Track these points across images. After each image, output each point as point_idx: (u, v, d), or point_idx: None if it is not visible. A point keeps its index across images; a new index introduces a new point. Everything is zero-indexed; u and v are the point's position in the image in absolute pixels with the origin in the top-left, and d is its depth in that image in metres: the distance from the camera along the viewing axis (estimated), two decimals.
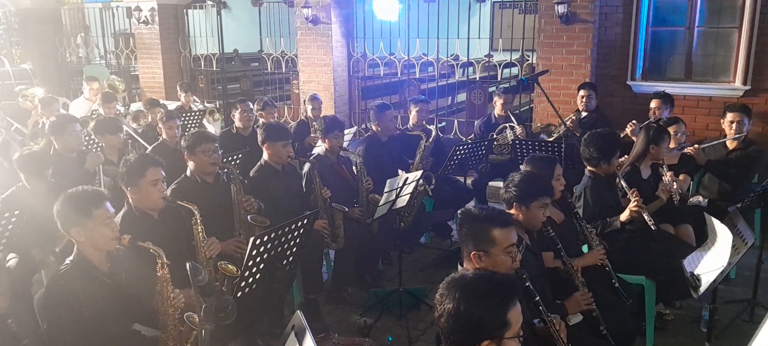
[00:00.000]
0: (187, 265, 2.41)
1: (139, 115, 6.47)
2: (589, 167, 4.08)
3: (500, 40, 7.72)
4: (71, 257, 2.84)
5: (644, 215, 3.84)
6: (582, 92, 6.13)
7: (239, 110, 6.05)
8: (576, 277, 3.18)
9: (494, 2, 13.03)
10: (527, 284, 2.45)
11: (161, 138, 5.54)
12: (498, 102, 6.30)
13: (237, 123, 6.07)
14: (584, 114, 6.11)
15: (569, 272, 3.19)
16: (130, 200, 3.43)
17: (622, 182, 4.04)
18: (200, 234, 3.44)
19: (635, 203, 3.84)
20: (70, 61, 11.36)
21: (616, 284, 3.52)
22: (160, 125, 5.56)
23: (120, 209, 3.45)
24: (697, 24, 6.66)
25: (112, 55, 10.86)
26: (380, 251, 5.21)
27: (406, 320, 4.39)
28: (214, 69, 9.87)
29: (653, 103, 5.87)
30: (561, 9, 6.51)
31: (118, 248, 2.95)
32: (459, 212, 2.59)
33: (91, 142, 5.04)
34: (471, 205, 5.91)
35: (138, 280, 3.02)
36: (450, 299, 1.82)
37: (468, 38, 7.79)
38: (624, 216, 3.93)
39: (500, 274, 1.95)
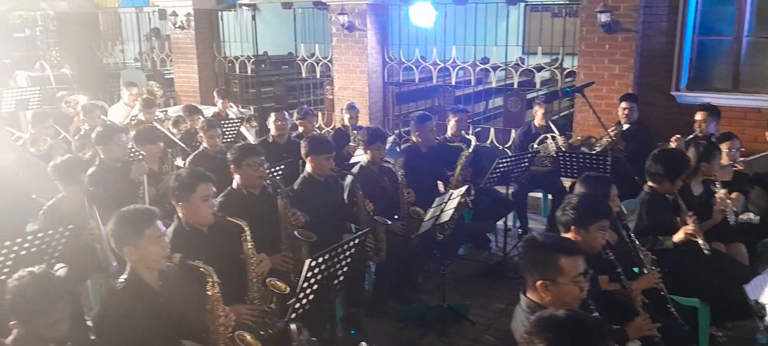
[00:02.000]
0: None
1: (179, 121, 6.52)
2: (650, 183, 4.00)
3: (539, 47, 7.59)
4: (125, 275, 2.86)
5: (699, 239, 3.74)
6: (624, 104, 5.98)
7: (274, 119, 5.99)
8: (636, 301, 3.10)
9: (526, 5, 12.89)
10: (595, 314, 2.38)
11: (202, 146, 5.56)
12: (539, 111, 6.19)
13: (272, 132, 6.05)
14: (626, 126, 5.97)
15: (629, 295, 3.10)
16: (180, 215, 3.43)
17: (680, 201, 3.94)
18: (250, 250, 3.43)
19: (691, 228, 3.74)
20: (106, 64, 11.55)
21: (672, 309, 3.42)
22: (201, 134, 5.57)
23: (164, 219, 3.46)
24: (745, 33, 6.48)
25: (146, 56, 10.98)
26: (419, 263, 5.16)
27: (449, 336, 4.34)
28: (249, 74, 9.92)
29: (698, 116, 5.69)
30: (603, 18, 6.38)
31: (169, 266, 2.96)
32: (524, 238, 2.53)
33: (133, 152, 5.08)
34: (510, 218, 5.83)
35: (189, 298, 3.02)
36: (542, 339, 1.76)
37: (506, 45, 7.70)
38: (677, 237, 3.83)
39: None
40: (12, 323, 2.31)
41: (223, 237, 3.52)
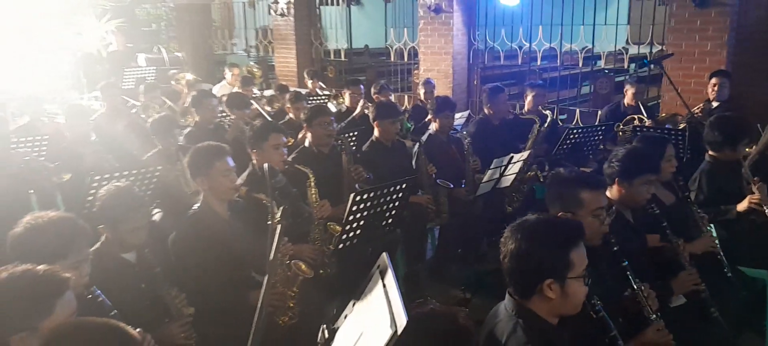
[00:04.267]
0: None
1: (273, 99, 7.08)
2: (710, 152, 3.88)
3: (650, 33, 7.25)
4: (197, 205, 3.24)
5: (765, 208, 3.58)
6: (714, 80, 5.70)
7: (350, 92, 6.57)
8: (682, 256, 3.06)
9: None
10: (615, 248, 2.43)
11: (288, 117, 6.02)
12: (629, 91, 6.01)
13: (347, 103, 6.50)
14: (715, 104, 5.69)
15: (675, 250, 3.07)
16: (254, 161, 3.82)
17: (748, 171, 3.79)
18: (314, 196, 3.76)
19: (756, 196, 3.60)
20: (217, 54, 12.55)
21: (729, 274, 3.32)
22: (288, 105, 6.05)
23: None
24: None
25: (254, 48, 11.81)
26: (485, 232, 5.24)
27: None
28: (343, 59, 10.43)
29: None
30: None
31: (237, 200, 3.33)
32: (550, 173, 2.63)
33: (224, 116, 5.60)
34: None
35: (254, 228, 3.37)
36: (513, 240, 1.89)
37: (605, 24, 7.48)
38: (741, 206, 3.70)
39: (564, 218, 1.99)
40: (101, 226, 2.75)
41: (291, 184, 3.87)
